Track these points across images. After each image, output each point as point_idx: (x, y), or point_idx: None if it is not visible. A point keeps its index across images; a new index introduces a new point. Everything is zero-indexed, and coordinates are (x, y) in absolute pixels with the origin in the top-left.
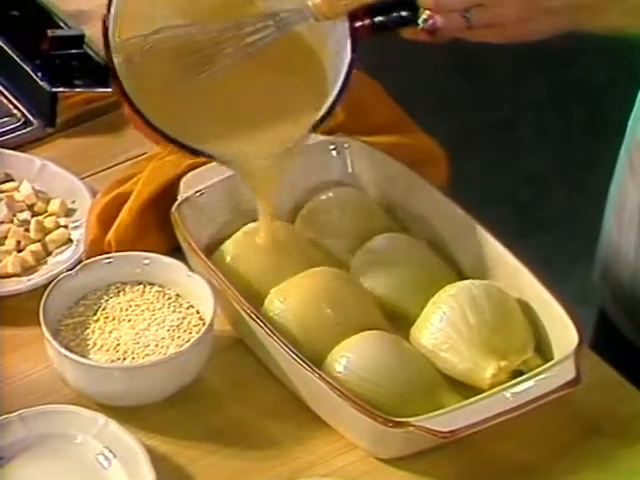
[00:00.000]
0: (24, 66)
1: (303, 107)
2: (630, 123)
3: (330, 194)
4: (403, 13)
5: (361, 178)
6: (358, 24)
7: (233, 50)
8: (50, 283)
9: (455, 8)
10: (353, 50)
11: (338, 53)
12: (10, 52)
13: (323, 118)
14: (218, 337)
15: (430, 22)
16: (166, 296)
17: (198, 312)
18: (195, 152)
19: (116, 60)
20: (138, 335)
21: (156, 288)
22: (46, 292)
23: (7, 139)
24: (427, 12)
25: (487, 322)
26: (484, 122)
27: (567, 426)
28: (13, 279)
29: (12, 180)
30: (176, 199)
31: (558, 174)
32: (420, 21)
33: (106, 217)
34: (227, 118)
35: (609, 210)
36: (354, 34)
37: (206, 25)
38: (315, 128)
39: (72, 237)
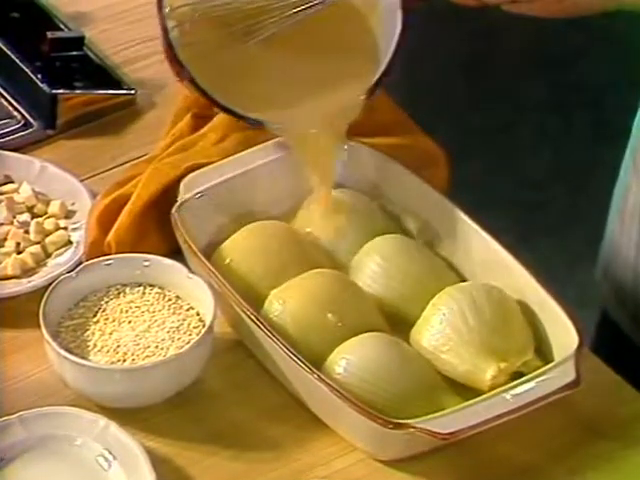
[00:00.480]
0: (24, 68)
1: (355, 74)
2: (635, 123)
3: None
4: None
5: (361, 179)
6: None
7: (281, 17)
8: (50, 285)
9: None
10: (404, 14)
11: (388, 18)
12: (10, 54)
13: (378, 83)
14: (218, 339)
15: None
16: (166, 298)
17: (198, 314)
18: (249, 120)
19: (169, 26)
20: (138, 337)
21: (156, 290)
22: (46, 294)
23: (7, 141)
24: None
25: (487, 324)
26: (484, 124)
27: (567, 428)
28: (13, 281)
29: (12, 182)
30: (176, 201)
31: (559, 176)
32: None
33: (106, 219)
34: (280, 87)
35: (613, 210)
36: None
37: None
38: (371, 93)
39: (72, 239)
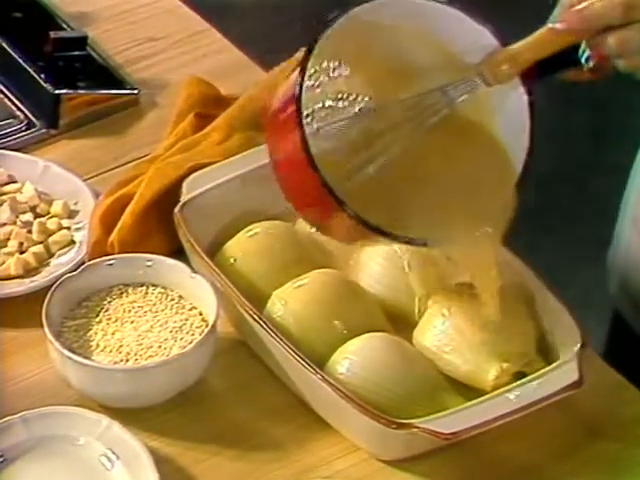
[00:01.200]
0: (27, 68)
1: (495, 181)
2: None
3: None
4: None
5: None
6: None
7: (407, 131)
8: (52, 285)
9: None
10: (531, 109)
11: (511, 111)
12: (13, 54)
13: (520, 182)
14: (221, 339)
15: (592, 62)
16: (169, 297)
17: (201, 314)
18: (406, 241)
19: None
20: (141, 337)
21: (159, 289)
22: (49, 294)
23: (10, 141)
24: (589, 51)
25: (490, 324)
26: None
27: (569, 428)
28: (15, 281)
29: (15, 182)
30: (178, 201)
31: (561, 177)
32: (583, 60)
33: (109, 219)
34: (419, 203)
35: (624, 218)
36: (527, 88)
37: (375, 110)
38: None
39: (75, 239)
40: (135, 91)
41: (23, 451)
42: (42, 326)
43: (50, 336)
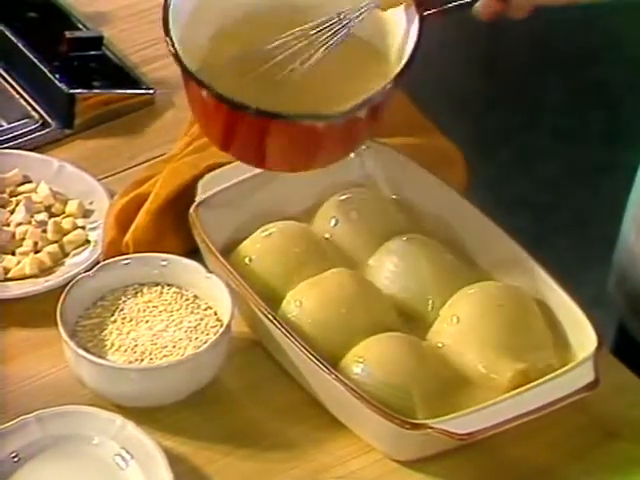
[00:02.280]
0: (42, 68)
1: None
2: None
3: (348, 194)
4: None
5: (379, 179)
6: (426, 12)
7: (303, 56)
8: (67, 284)
9: None
10: (419, 32)
11: (403, 35)
12: (28, 54)
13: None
14: (235, 338)
15: None
16: (184, 297)
17: (216, 313)
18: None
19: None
20: (156, 336)
21: (174, 289)
22: (64, 293)
23: (25, 140)
24: None
25: (506, 324)
26: (500, 124)
27: (585, 429)
28: (30, 280)
29: (30, 181)
30: (193, 200)
31: (574, 178)
32: None
33: (124, 218)
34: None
35: (627, 218)
36: (422, 21)
37: (273, 35)
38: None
39: (89, 238)
40: (151, 91)
41: (37, 450)
42: (57, 325)
43: (65, 335)
